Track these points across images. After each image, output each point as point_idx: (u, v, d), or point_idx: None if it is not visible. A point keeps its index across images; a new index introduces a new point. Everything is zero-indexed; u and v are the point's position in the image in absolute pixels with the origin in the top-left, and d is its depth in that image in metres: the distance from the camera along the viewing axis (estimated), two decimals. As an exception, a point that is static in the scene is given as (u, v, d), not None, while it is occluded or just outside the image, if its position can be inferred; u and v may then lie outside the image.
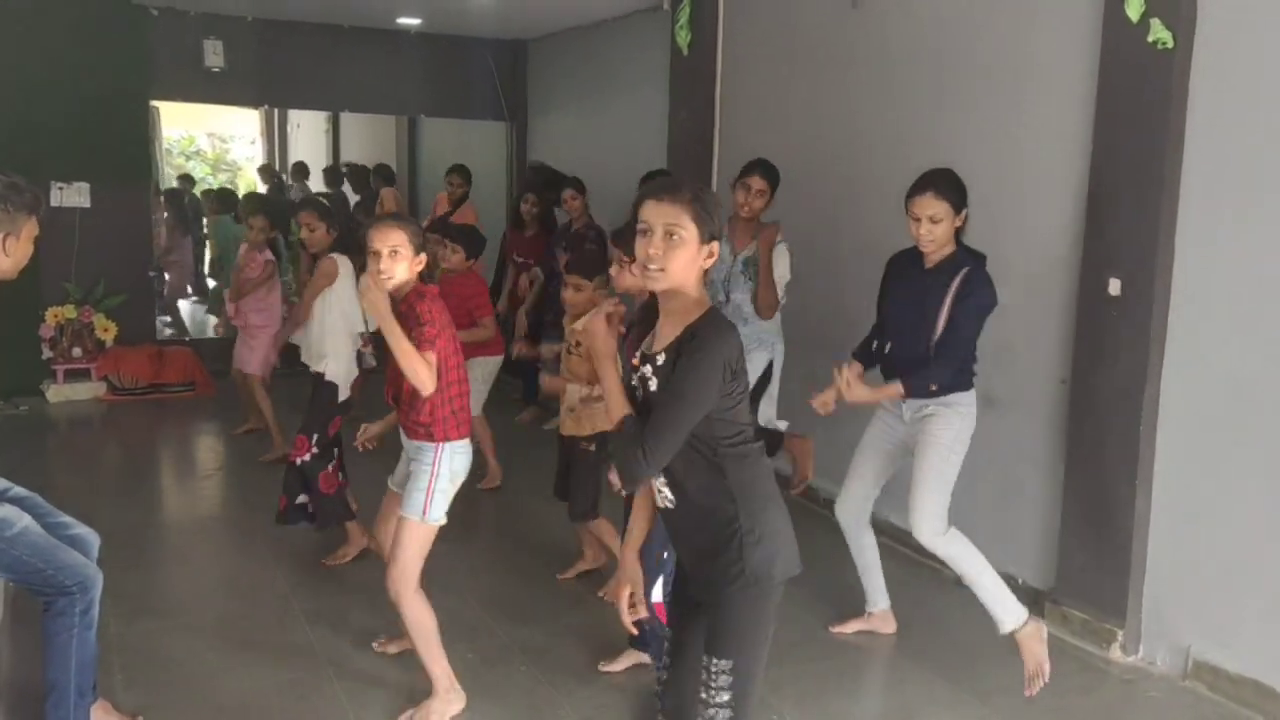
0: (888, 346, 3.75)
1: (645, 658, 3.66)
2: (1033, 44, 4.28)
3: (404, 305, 3.22)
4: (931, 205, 3.52)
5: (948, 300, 3.54)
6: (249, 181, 13.89)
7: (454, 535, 3.60)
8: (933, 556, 3.78)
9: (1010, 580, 3.86)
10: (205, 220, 10.93)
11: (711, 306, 2.25)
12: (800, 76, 5.62)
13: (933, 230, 3.53)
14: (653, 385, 2.25)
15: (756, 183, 4.69)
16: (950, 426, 3.62)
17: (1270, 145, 3.48)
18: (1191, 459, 3.75)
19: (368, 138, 12.42)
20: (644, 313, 2.39)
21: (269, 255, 6.51)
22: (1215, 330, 3.66)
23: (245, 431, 6.89)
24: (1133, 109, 3.81)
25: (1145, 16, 3.69)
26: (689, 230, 2.19)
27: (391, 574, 3.26)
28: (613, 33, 8.07)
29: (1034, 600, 4.12)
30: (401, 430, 3.40)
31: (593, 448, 4.21)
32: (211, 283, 10.88)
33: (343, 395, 4.72)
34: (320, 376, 4.68)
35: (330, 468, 4.66)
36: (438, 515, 3.27)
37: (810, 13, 5.52)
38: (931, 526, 3.61)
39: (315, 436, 4.63)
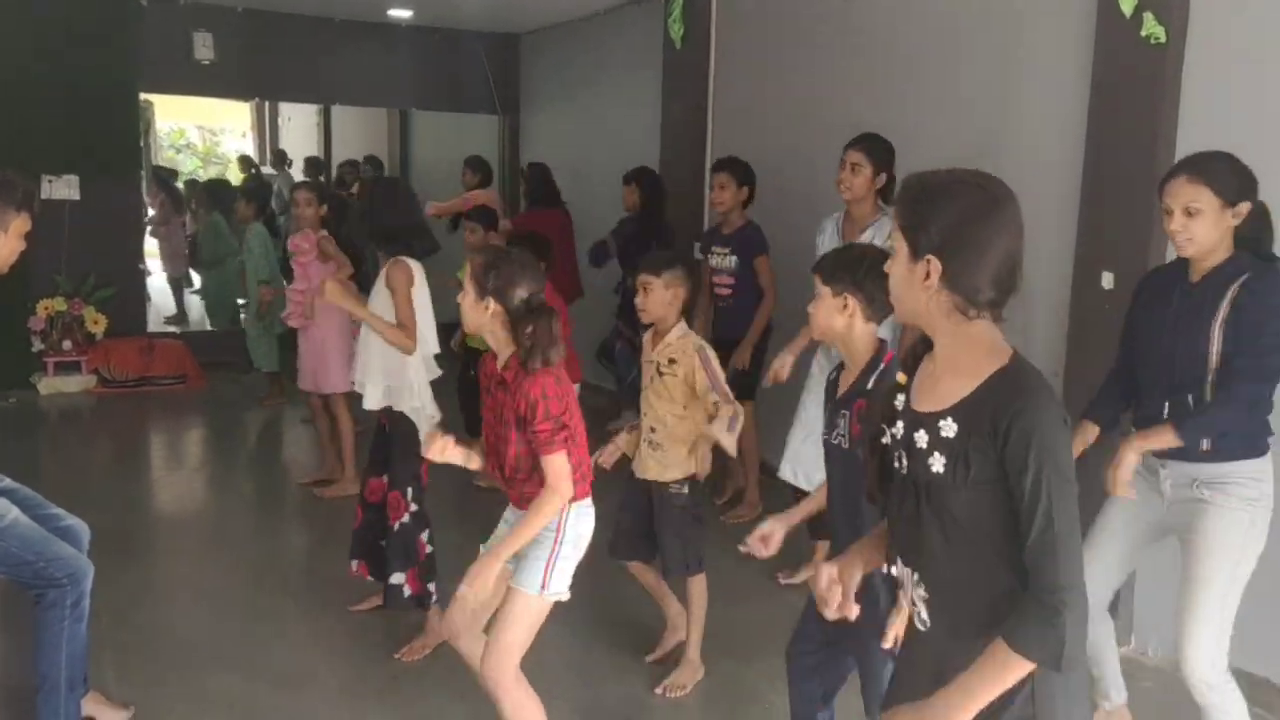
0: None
1: None
2: (1027, 38, 4.29)
3: (509, 376, 2.69)
4: (1185, 192, 2.69)
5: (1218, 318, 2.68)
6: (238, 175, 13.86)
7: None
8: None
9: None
10: (191, 215, 10.87)
11: (1016, 354, 1.66)
12: (793, 69, 5.62)
13: (1188, 225, 2.69)
14: (937, 466, 1.64)
15: (853, 156, 4.14)
16: (1238, 524, 2.70)
17: (1261, 140, 3.48)
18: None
19: (359, 131, 12.38)
20: (910, 355, 1.81)
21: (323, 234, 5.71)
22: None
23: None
24: (1126, 103, 3.82)
25: (1138, 11, 3.69)
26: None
27: (490, 657, 2.69)
28: (605, 26, 8.05)
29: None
30: (511, 507, 2.89)
31: (685, 491, 3.54)
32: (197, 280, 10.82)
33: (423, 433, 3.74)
34: (399, 414, 3.80)
35: (425, 533, 3.82)
36: (559, 588, 2.72)
37: (803, 5, 5.52)
38: (1209, 669, 2.75)
39: (410, 490, 3.77)
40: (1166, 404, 2.77)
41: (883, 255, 2.45)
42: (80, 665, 3.01)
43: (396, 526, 3.74)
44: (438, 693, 3.53)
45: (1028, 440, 1.55)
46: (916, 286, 1.65)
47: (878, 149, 4.11)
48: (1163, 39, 3.65)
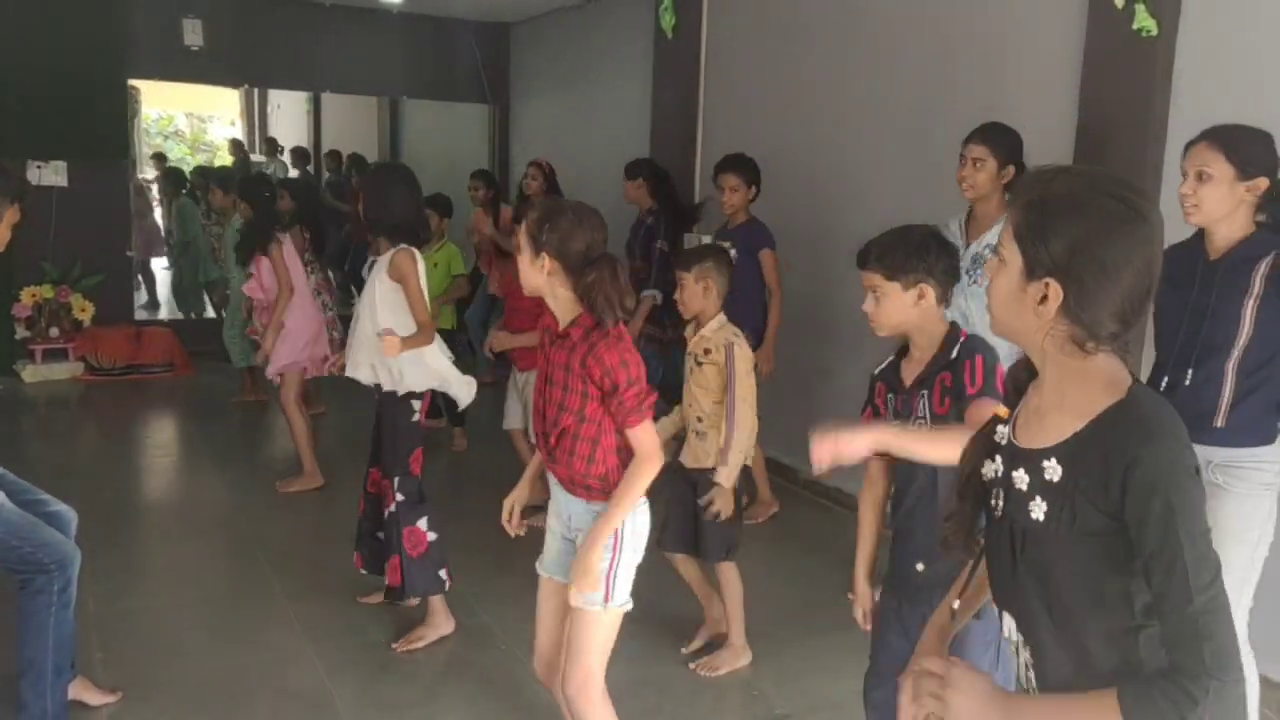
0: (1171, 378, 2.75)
1: None
2: (1019, 28, 4.29)
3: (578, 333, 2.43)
4: (1201, 156, 2.63)
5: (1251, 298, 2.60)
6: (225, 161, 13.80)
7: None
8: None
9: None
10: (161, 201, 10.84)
11: (1137, 384, 1.40)
12: (785, 59, 5.62)
13: (1197, 190, 2.64)
14: (1036, 512, 1.39)
15: (975, 150, 3.76)
16: (1257, 509, 2.66)
17: (1251, 132, 3.50)
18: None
19: (349, 119, 12.33)
20: (1012, 383, 1.57)
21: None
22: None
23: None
24: (1117, 95, 3.83)
25: (1130, 3, 3.70)
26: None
27: (571, 683, 2.48)
28: (596, 15, 8.04)
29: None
30: (556, 488, 2.58)
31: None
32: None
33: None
34: (390, 401, 3.77)
35: (423, 520, 3.76)
36: (623, 598, 2.48)
37: (795, -4, 5.51)
38: None
39: (397, 479, 3.73)
40: (1165, 379, 2.74)
41: (935, 230, 2.43)
42: (67, 651, 3.00)
43: (387, 515, 3.73)
44: (429, 680, 3.55)
45: (1150, 493, 1.28)
46: (1028, 310, 1.38)
47: (1002, 139, 3.68)
48: (1154, 32, 3.66)
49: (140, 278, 10.70)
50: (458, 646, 3.76)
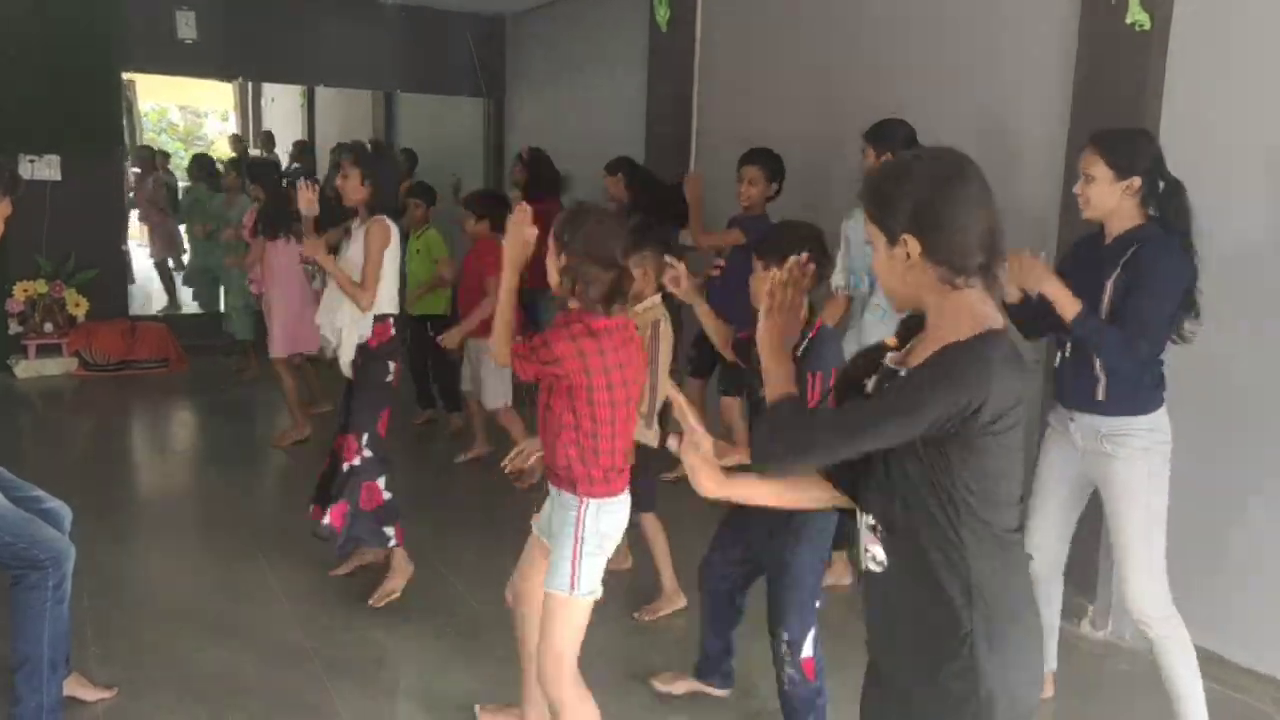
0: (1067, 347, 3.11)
1: (705, 688, 3.42)
2: (1013, 21, 4.29)
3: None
4: (1086, 159, 3.00)
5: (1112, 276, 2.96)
6: (221, 154, 13.78)
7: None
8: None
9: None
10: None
11: (994, 331, 1.66)
12: (779, 52, 5.61)
13: (1084, 189, 3.01)
14: None
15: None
16: (1138, 471, 3.01)
17: (1245, 127, 3.51)
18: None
19: (343, 113, 12.31)
20: (904, 327, 1.86)
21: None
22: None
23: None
24: (1110, 89, 3.83)
25: (1123, -4, 3.71)
26: None
27: (543, 671, 2.62)
28: (591, 8, 8.02)
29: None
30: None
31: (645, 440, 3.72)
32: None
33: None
34: (366, 363, 3.96)
35: (382, 479, 3.97)
36: (589, 587, 2.60)
37: (790, -10, 5.51)
38: (1150, 604, 3.01)
39: (365, 436, 3.93)
40: (1069, 344, 3.10)
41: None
42: (62, 647, 3.00)
43: (346, 468, 3.90)
44: (428, 675, 3.55)
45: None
46: (901, 269, 1.68)
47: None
48: (1147, 25, 3.66)
49: (159, 278, 10.71)
50: (458, 646, 3.77)
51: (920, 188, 1.65)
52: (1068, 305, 2.89)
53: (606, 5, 7.76)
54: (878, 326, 3.91)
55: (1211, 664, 3.50)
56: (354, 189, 3.98)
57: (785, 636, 2.94)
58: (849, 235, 4.19)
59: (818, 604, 2.98)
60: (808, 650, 2.94)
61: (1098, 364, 3.01)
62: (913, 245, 1.65)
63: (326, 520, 3.91)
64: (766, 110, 5.65)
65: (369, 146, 5.04)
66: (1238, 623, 3.58)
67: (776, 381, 1.79)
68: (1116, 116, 3.78)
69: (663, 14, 6.34)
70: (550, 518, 2.72)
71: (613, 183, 5.95)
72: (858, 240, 4.10)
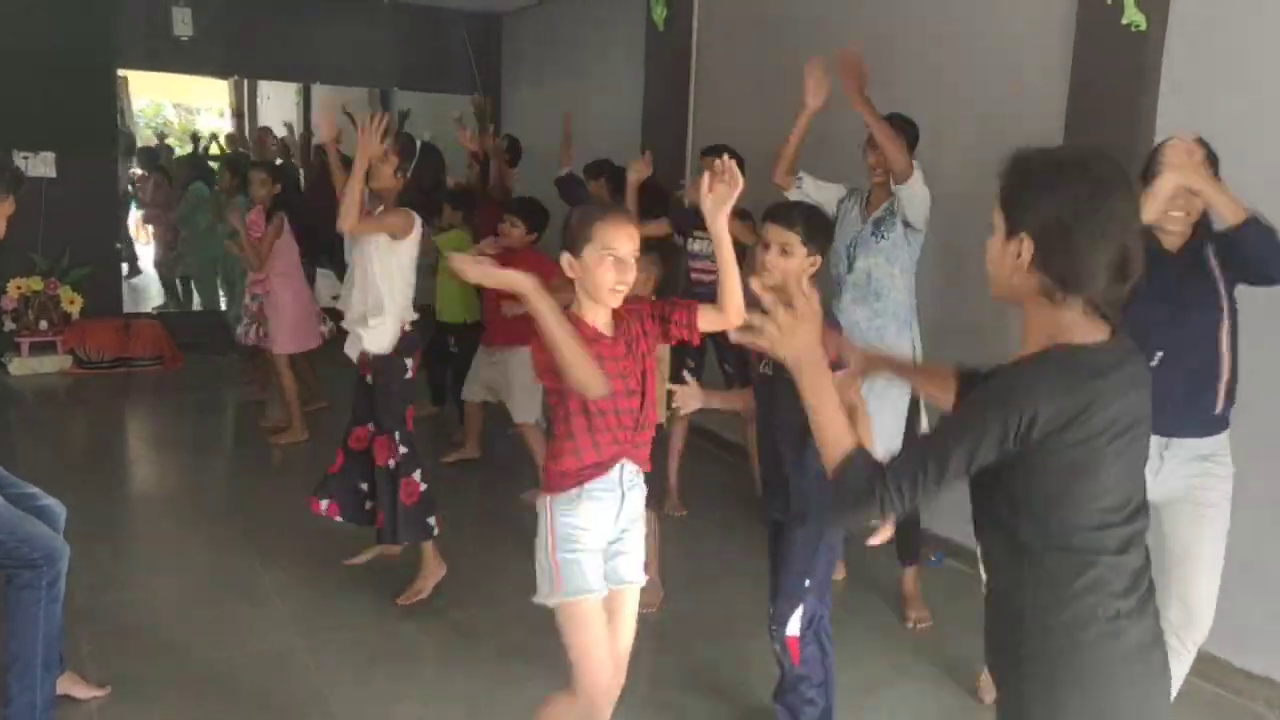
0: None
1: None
2: (1009, 21, 4.29)
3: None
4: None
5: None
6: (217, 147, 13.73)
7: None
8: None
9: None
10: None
11: (1066, 347, 1.62)
12: (776, 52, 5.61)
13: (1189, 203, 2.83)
14: None
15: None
16: (1229, 490, 2.89)
17: (1240, 128, 3.51)
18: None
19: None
20: None
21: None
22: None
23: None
24: (1106, 90, 3.83)
25: (1120, -3, 3.71)
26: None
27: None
28: (588, 6, 8.02)
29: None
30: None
31: None
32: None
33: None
34: (383, 362, 3.94)
35: (417, 472, 3.99)
36: (565, 590, 2.44)
37: (787, -11, 5.51)
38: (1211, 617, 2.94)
39: (398, 434, 3.95)
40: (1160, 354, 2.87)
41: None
42: (56, 645, 3.00)
43: (388, 466, 3.92)
44: (428, 669, 3.55)
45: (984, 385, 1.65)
46: (1009, 264, 1.63)
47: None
48: (1143, 26, 3.66)
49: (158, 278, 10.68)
50: (457, 643, 3.76)
51: (1061, 203, 1.58)
52: (1232, 208, 2.57)
53: (603, 4, 7.76)
54: (855, 309, 3.89)
55: (1206, 665, 3.50)
56: (386, 176, 3.93)
57: (770, 610, 2.98)
58: (815, 200, 4.01)
59: (807, 584, 2.91)
60: (792, 629, 2.93)
61: (1223, 365, 2.79)
62: (1026, 249, 1.61)
63: (378, 526, 4.00)
64: (763, 109, 5.63)
65: (418, 144, 5.06)
66: (1232, 624, 3.58)
67: (829, 422, 1.65)
68: (1112, 118, 3.80)
69: (659, 13, 6.34)
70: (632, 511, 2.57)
71: (595, 186, 5.91)
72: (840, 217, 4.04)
